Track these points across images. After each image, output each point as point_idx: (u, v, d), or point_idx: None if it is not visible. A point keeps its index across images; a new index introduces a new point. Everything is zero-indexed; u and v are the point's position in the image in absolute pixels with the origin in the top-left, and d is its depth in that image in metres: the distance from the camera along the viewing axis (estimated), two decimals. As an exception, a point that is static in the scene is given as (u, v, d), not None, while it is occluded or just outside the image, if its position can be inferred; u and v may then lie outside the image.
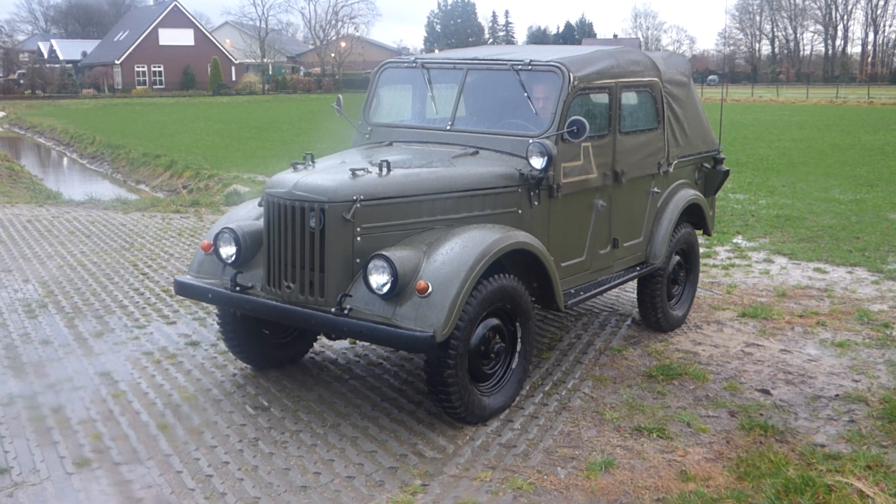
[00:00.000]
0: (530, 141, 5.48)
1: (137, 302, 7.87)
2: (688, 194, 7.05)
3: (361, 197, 4.89)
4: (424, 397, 5.52)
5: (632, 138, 6.37)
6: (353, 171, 5.01)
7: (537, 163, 5.40)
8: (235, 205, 14.06)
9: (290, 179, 5.06)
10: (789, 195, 14.77)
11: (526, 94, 5.81)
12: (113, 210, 13.63)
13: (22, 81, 72.91)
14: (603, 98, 6.12)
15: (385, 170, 5.10)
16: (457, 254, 4.84)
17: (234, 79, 78.34)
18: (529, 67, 5.83)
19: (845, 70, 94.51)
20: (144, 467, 4.62)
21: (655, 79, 6.62)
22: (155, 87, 76.41)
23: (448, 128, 6.03)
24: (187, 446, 4.88)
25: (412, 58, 6.53)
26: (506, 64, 5.94)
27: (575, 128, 5.37)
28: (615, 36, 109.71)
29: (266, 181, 5.25)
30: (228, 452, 4.79)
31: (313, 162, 5.38)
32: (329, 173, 5.12)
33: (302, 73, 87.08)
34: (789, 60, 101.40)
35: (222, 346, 6.34)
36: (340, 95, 6.81)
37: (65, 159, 31.43)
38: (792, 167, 19.04)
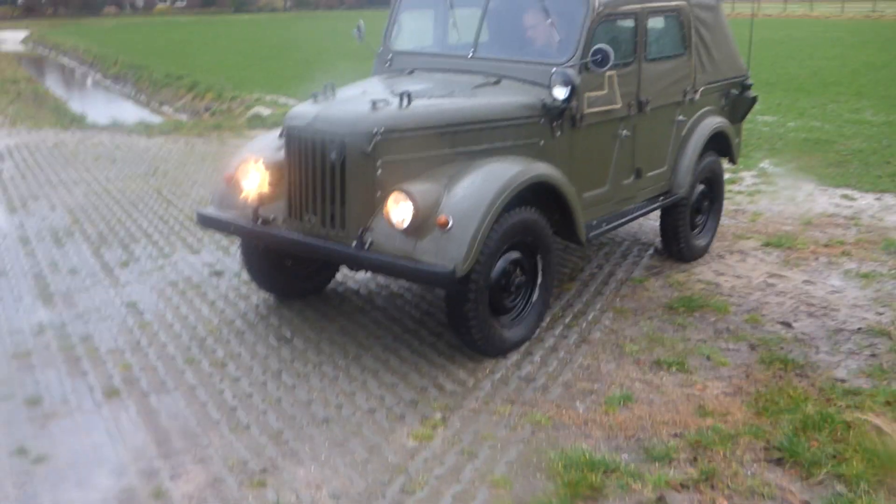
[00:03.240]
0: (553, 70, 5.38)
1: (162, 230, 7.92)
2: (713, 122, 6.94)
3: (382, 129, 4.84)
4: (445, 329, 5.56)
5: (657, 65, 6.24)
6: (374, 102, 4.96)
7: (560, 93, 5.32)
8: (257, 128, 14.08)
9: (309, 112, 5.02)
10: (819, 117, 14.49)
11: (550, 21, 5.69)
12: (137, 134, 13.64)
13: (44, 0, 72.36)
14: (628, 24, 5.99)
15: (405, 101, 5.04)
16: (477, 187, 4.81)
17: (255, -5, 77.24)
18: (553, -7, 5.69)
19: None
20: (171, 398, 4.72)
21: (683, 3, 6.45)
22: (176, 4, 75.57)
23: (470, 55, 5.93)
24: (212, 378, 4.96)
25: (434, -17, 6.40)
26: (529, -11, 5.81)
27: (599, 56, 5.26)
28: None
29: (286, 113, 5.22)
30: (252, 384, 4.87)
31: (333, 92, 5.32)
32: (349, 105, 5.07)
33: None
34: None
35: (246, 275, 6.39)
36: (361, 20, 6.68)
37: (88, 80, 31.36)
38: (823, 87, 18.64)
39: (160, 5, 74.19)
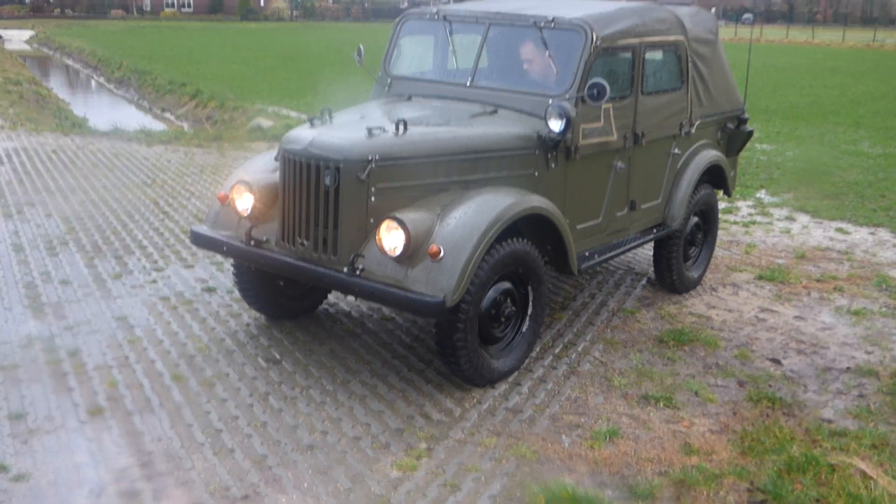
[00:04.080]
0: (550, 101, 5.41)
1: (157, 243, 7.92)
2: (709, 155, 6.96)
3: (377, 157, 4.86)
4: (434, 356, 5.56)
5: (654, 99, 6.26)
6: (370, 129, 4.98)
7: (556, 125, 5.33)
8: (257, 140, 14.10)
9: (306, 136, 5.04)
10: (817, 147, 14.54)
11: (548, 53, 5.72)
12: (137, 142, 13.64)
13: (51, 0, 72.54)
14: (626, 58, 6.01)
15: (402, 129, 5.05)
16: (470, 218, 4.82)
17: (262, 4, 77.51)
18: (553, 25, 5.72)
19: (885, 12, 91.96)
20: (156, 418, 4.71)
21: (681, 37, 6.48)
22: (183, 9, 75.82)
23: (468, 84, 5.95)
24: (199, 398, 4.95)
25: (434, 9, 6.42)
26: (528, 20, 5.83)
27: (595, 90, 5.28)
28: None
29: (283, 137, 5.24)
30: (239, 406, 4.87)
31: (331, 117, 5.34)
32: (345, 131, 5.09)
33: (331, 0, 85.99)
34: (827, 0, 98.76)
35: (237, 293, 6.38)
36: (361, 45, 6.72)
37: (92, 82, 31.46)
38: (822, 116, 18.71)
39: (167, 10, 74.38)
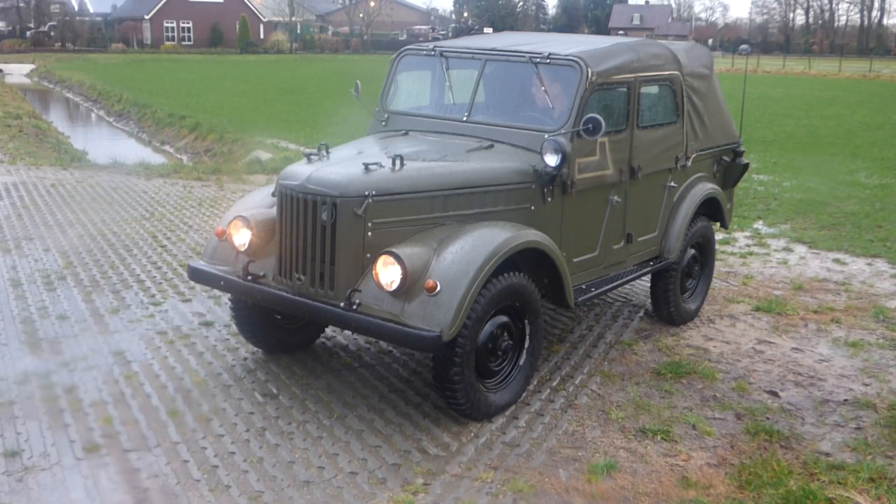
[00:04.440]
0: (546, 136, 5.45)
1: (154, 276, 7.93)
2: (705, 188, 7.00)
3: (373, 192, 4.89)
4: (431, 389, 5.55)
5: (650, 133, 6.31)
6: (366, 165, 5.01)
7: (551, 160, 5.37)
8: (256, 173, 14.16)
9: (303, 172, 5.07)
10: (814, 177, 14.60)
11: (543, 88, 5.77)
12: (136, 175, 13.70)
13: (52, 34, 73.09)
14: (622, 92, 6.06)
15: (398, 164, 5.09)
16: (467, 252, 4.84)
17: (262, 37, 78.08)
18: (548, 61, 5.78)
19: (880, 42, 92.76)
20: (152, 455, 4.70)
21: (676, 72, 6.54)
22: (183, 43, 76.38)
23: (464, 119, 6.00)
24: (195, 434, 4.94)
25: (431, 45, 6.49)
26: (524, 56, 5.90)
27: (591, 125, 5.33)
28: (647, 2, 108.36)
29: (280, 173, 5.27)
30: (235, 442, 4.85)
31: (328, 153, 5.37)
32: (342, 167, 5.12)
33: (330, 32, 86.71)
34: (823, 31, 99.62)
35: (235, 327, 6.39)
36: (359, 81, 6.78)
37: (92, 115, 31.62)
38: (819, 146, 18.81)
39: (167, 43, 74.91)
